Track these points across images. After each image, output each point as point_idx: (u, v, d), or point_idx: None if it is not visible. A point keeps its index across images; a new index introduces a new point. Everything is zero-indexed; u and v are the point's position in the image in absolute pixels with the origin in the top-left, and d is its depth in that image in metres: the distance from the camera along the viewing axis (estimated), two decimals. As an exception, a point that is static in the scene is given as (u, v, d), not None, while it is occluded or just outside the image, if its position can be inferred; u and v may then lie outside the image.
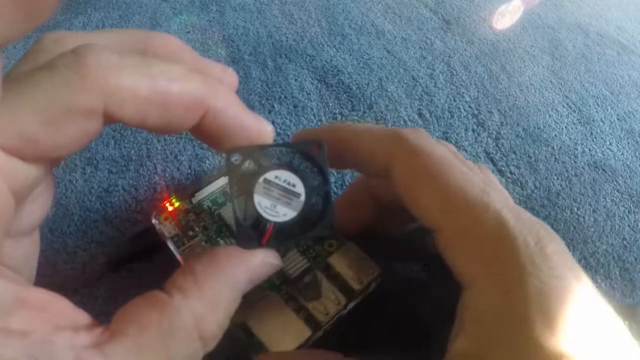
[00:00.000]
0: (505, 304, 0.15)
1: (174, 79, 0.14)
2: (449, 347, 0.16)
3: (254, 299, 0.20)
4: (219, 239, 0.22)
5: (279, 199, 0.17)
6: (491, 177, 0.20)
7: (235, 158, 0.17)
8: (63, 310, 0.14)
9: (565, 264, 0.15)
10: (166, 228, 0.22)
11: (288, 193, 0.17)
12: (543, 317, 0.14)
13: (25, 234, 0.15)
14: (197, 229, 0.22)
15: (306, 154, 0.17)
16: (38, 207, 0.15)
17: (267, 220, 0.17)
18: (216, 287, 0.16)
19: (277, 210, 0.17)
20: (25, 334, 0.12)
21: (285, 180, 0.17)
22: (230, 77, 0.18)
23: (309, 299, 0.21)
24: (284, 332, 0.20)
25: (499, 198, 0.17)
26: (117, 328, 0.14)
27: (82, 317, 0.14)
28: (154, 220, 0.22)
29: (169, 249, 0.22)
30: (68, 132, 0.13)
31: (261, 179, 0.17)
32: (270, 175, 0.17)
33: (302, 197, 0.17)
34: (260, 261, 0.17)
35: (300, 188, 0.17)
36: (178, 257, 0.21)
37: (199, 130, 0.16)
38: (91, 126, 0.13)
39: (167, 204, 0.23)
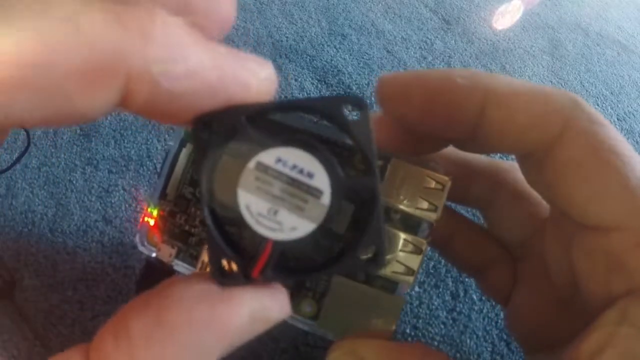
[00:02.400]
0: None
1: (52, 23, 0.08)
2: None
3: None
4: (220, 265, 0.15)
5: (282, 200, 0.10)
6: None
7: (206, 130, 0.10)
8: None
9: None
10: (163, 250, 0.16)
11: (300, 189, 0.10)
12: None
13: None
14: (195, 230, 0.16)
15: (336, 119, 0.10)
16: None
17: (262, 238, 0.10)
18: None
19: (279, 220, 0.10)
20: None
21: (294, 166, 0.10)
22: (221, 2, 0.10)
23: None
24: (372, 313, 0.15)
25: None
26: None
27: None
28: (141, 248, 0.17)
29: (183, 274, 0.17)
30: None
31: (252, 163, 0.10)
32: (269, 156, 0.10)
33: (325, 198, 0.10)
34: (250, 316, 0.10)
35: (322, 180, 0.10)
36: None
37: (130, 106, 0.09)
38: None
39: (147, 218, 0.17)
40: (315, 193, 0.10)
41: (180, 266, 0.17)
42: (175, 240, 0.16)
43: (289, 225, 0.10)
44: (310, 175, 0.10)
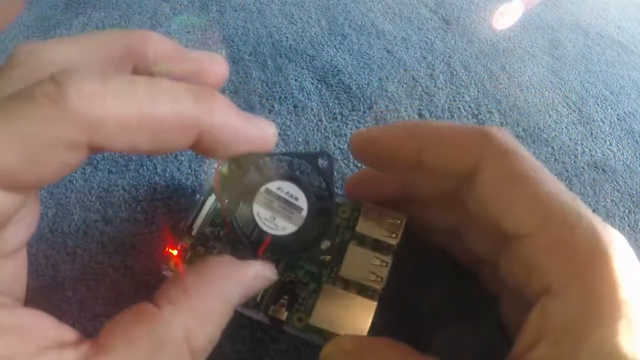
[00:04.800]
0: (594, 315, 0.14)
1: (163, 101, 0.14)
2: (524, 357, 0.15)
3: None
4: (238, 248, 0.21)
5: (279, 212, 0.16)
6: None
7: (236, 166, 0.16)
8: (48, 329, 0.14)
9: None
10: None
11: (289, 206, 0.16)
12: (629, 331, 0.14)
13: (9, 256, 0.15)
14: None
15: (313, 166, 0.17)
16: (22, 229, 0.15)
17: (265, 233, 0.16)
18: (207, 300, 0.15)
19: (276, 223, 0.16)
20: (9, 358, 0.12)
21: (287, 192, 0.16)
22: (219, 65, 0.17)
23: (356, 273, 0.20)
24: (352, 315, 0.19)
25: (584, 206, 0.16)
26: (105, 343, 0.14)
27: (68, 333, 0.14)
28: (165, 272, 0.21)
29: None
30: (49, 166, 0.13)
31: (262, 189, 0.16)
32: (273, 185, 0.16)
33: (304, 212, 0.16)
34: (255, 274, 0.17)
35: (302, 202, 0.16)
36: None
37: (196, 148, 0.15)
38: (74, 158, 0.13)
39: (170, 249, 0.21)
40: (298, 209, 0.16)
41: None
42: None
43: (281, 226, 0.16)
44: (296, 199, 0.16)
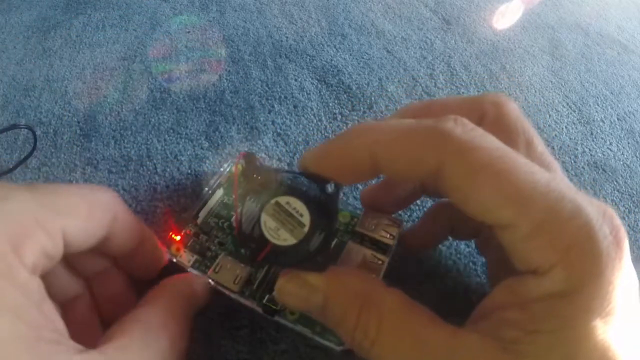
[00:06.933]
0: (574, 295, 0.14)
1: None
2: (495, 312, 0.16)
3: None
4: (241, 250, 0.22)
5: (284, 224, 0.17)
6: (545, 155, 0.19)
7: (249, 171, 0.17)
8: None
9: (630, 258, 0.15)
10: (183, 258, 0.22)
11: (294, 221, 0.17)
12: (605, 312, 0.14)
13: None
14: (214, 247, 0.22)
15: (322, 189, 0.18)
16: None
17: (267, 241, 0.17)
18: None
19: (279, 234, 0.17)
20: None
21: (295, 208, 0.17)
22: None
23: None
24: None
25: (565, 182, 0.16)
26: None
27: None
28: (167, 256, 0.22)
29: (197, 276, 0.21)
30: None
31: (273, 201, 0.17)
32: (283, 199, 0.17)
33: (306, 229, 0.17)
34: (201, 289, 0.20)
35: (306, 219, 0.17)
36: (210, 281, 0.21)
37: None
38: None
39: (173, 235, 0.22)
40: (301, 225, 0.17)
41: (194, 271, 0.21)
42: (195, 253, 0.22)
43: (283, 237, 0.17)
44: (301, 215, 0.17)
